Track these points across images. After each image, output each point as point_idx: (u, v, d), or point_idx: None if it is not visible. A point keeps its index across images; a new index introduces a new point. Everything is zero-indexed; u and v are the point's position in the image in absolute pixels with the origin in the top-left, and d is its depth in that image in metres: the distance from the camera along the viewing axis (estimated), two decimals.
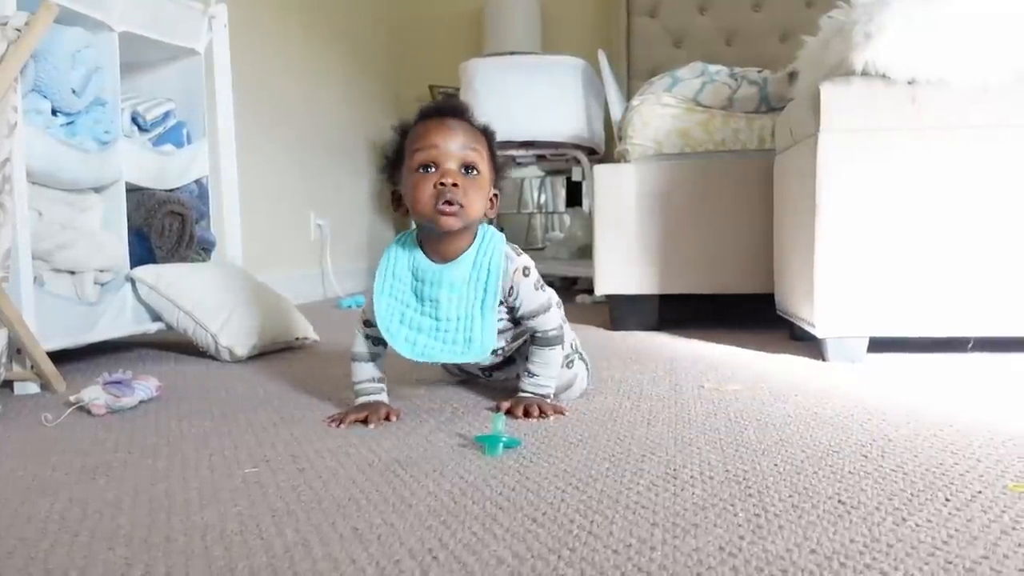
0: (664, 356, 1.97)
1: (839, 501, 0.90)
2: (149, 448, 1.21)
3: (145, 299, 2.07)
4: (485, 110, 3.41)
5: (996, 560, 0.73)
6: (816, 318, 1.81)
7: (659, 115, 2.50)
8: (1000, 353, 1.82)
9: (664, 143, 2.49)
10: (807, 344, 2.02)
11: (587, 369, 1.53)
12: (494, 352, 1.41)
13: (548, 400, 1.38)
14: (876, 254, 1.78)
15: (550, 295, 1.40)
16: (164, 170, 2.23)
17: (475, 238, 1.34)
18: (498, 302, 1.33)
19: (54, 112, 1.86)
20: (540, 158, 3.95)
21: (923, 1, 1.74)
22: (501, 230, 1.41)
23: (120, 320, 2.02)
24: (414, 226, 1.38)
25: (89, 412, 1.42)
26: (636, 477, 1.00)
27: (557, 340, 1.39)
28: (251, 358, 2.03)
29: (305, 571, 0.74)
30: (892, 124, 1.77)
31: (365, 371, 1.39)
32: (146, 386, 1.52)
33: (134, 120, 2.21)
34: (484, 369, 1.53)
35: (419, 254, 1.34)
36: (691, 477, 1.00)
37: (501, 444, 1.12)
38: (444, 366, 1.61)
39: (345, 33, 4.06)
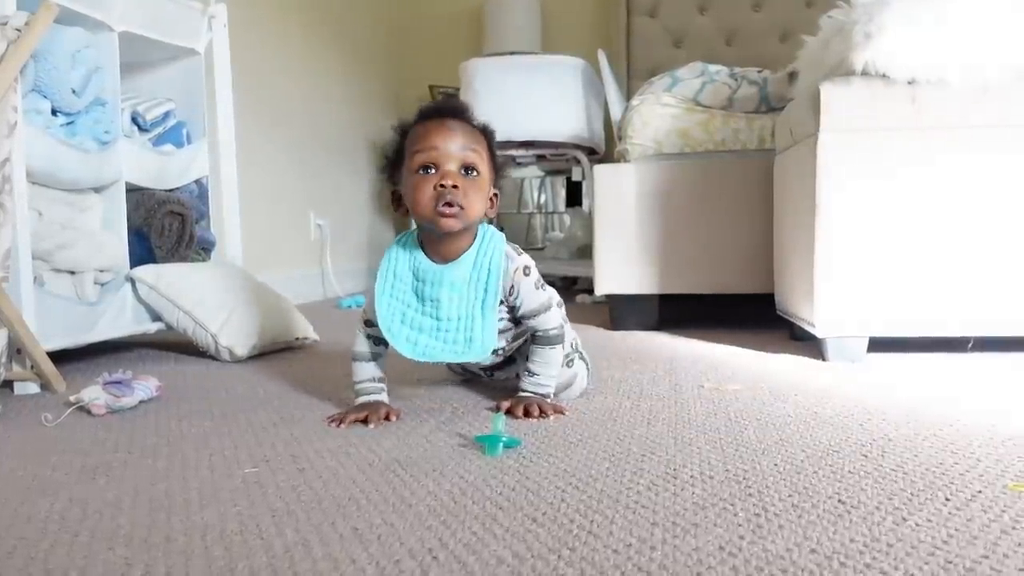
0: (664, 356, 1.97)
1: (839, 501, 0.90)
2: (149, 448, 1.21)
3: (145, 299, 2.07)
4: (485, 110, 3.41)
5: (996, 560, 0.73)
6: (816, 318, 1.81)
7: (659, 115, 2.50)
8: (1000, 353, 1.82)
9: (664, 143, 2.49)
10: (807, 344, 2.02)
11: (588, 369, 1.53)
12: (495, 352, 1.41)
13: (548, 400, 1.38)
14: (876, 254, 1.78)
15: (551, 294, 1.41)
16: (164, 170, 2.23)
17: (475, 238, 1.34)
18: (499, 302, 1.33)
19: (54, 112, 1.86)
20: (540, 158, 3.96)
21: (923, 1, 1.74)
22: (501, 230, 1.41)
23: (120, 320, 2.02)
24: (414, 226, 1.39)
25: (89, 412, 1.42)
26: (636, 477, 1.00)
27: (558, 339, 1.39)
28: (251, 358, 2.03)
29: (305, 571, 0.74)
30: (892, 124, 1.77)
31: (366, 371, 1.39)
32: (146, 386, 1.52)
33: (134, 120, 2.22)
34: (485, 369, 1.53)
35: (420, 254, 1.34)
36: (691, 477, 1.00)
37: (501, 444, 1.12)
38: (448, 365, 1.61)
39: (345, 33, 4.06)
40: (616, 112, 3.07)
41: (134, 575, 0.75)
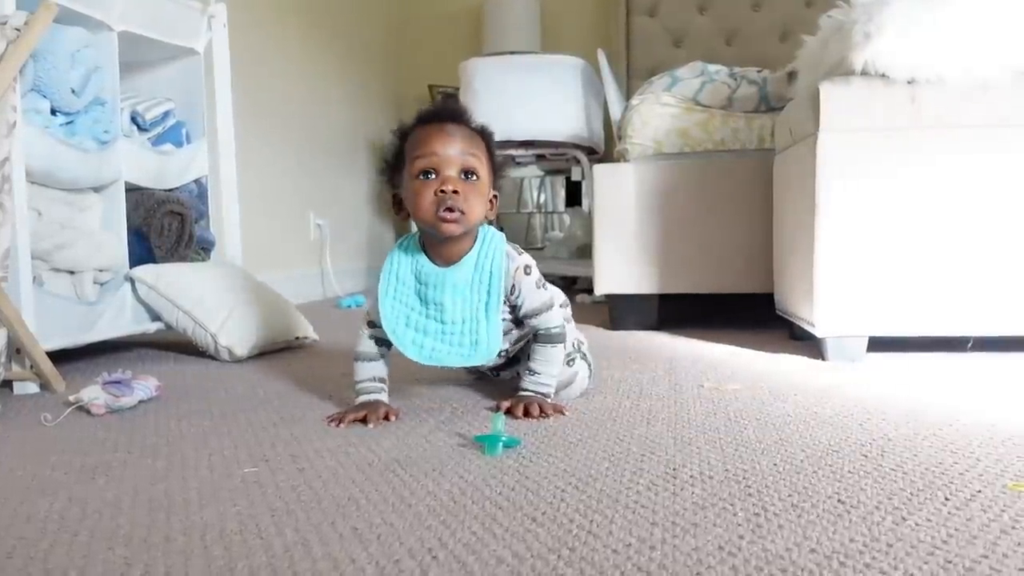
0: (664, 356, 1.97)
1: (839, 500, 0.90)
2: (148, 448, 1.21)
3: (144, 299, 2.07)
4: (485, 110, 3.44)
5: (995, 559, 0.73)
6: (816, 318, 1.81)
7: (658, 115, 2.50)
8: (1000, 353, 1.82)
9: (663, 143, 2.49)
10: (807, 344, 2.02)
11: (590, 369, 1.53)
12: (498, 354, 1.42)
13: (548, 399, 1.38)
14: (876, 254, 1.78)
15: (552, 294, 1.41)
16: (163, 170, 2.23)
17: (476, 240, 1.35)
18: (502, 303, 1.34)
19: (53, 112, 1.85)
20: (540, 158, 3.96)
21: (922, 1, 1.74)
22: (501, 230, 1.42)
23: (119, 320, 2.02)
24: (414, 229, 1.39)
25: (88, 412, 1.42)
26: (636, 476, 1.00)
27: (559, 338, 1.40)
28: (251, 358, 2.03)
29: (304, 571, 0.74)
30: (891, 124, 1.77)
31: (367, 370, 1.39)
32: (145, 386, 1.52)
33: (133, 120, 2.21)
34: (491, 369, 1.54)
35: (422, 257, 1.35)
36: (691, 476, 1.00)
37: (501, 444, 1.12)
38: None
39: (345, 33, 4.06)
40: (616, 112, 3.07)
41: (133, 575, 0.75)
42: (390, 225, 4.49)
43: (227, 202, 2.49)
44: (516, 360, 1.49)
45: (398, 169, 1.34)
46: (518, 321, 1.40)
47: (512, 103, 3.57)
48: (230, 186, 2.49)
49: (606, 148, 3.85)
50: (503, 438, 1.12)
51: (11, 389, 1.65)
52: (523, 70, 3.69)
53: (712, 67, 2.70)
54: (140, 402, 1.50)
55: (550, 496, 0.93)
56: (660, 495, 0.93)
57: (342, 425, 1.30)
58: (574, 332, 1.53)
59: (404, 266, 1.36)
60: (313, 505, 0.92)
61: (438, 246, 1.34)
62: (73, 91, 1.86)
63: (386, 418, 1.31)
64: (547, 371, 1.38)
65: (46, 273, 1.85)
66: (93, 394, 1.43)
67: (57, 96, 1.83)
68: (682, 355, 1.97)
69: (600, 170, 2.53)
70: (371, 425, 1.29)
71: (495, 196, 1.37)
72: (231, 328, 2.03)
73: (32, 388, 1.66)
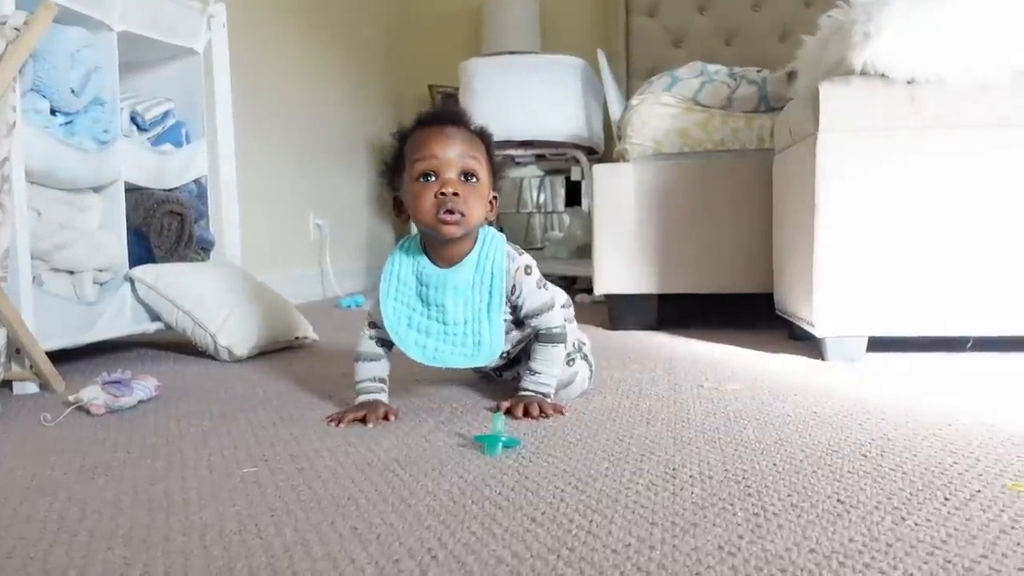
0: (663, 355, 1.97)
1: (838, 500, 0.90)
2: (148, 448, 1.21)
3: (144, 299, 2.07)
4: (484, 110, 3.45)
5: (995, 559, 0.73)
6: (815, 318, 1.81)
7: (658, 115, 2.50)
8: (999, 353, 1.82)
9: (663, 143, 2.49)
10: (806, 344, 2.02)
11: (591, 370, 1.53)
12: (500, 356, 1.42)
13: (549, 399, 1.38)
14: (875, 254, 1.78)
15: (553, 294, 1.42)
16: (163, 170, 2.23)
17: (477, 241, 1.36)
18: (504, 303, 1.35)
19: (53, 112, 1.85)
20: (539, 157, 3.96)
21: (922, 1, 1.74)
22: (500, 230, 1.42)
23: (119, 320, 2.02)
24: (414, 231, 1.40)
25: (88, 412, 1.42)
26: (635, 476, 1.00)
27: (560, 338, 1.40)
28: (250, 358, 2.03)
29: (304, 571, 0.74)
30: (891, 124, 1.77)
31: (367, 370, 1.40)
32: (145, 386, 1.52)
33: (133, 120, 2.21)
34: (493, 369, 1.54)
35: (423, 259, 1.36)
36: (690, 476, 1.00)
37: (500, 444, 1.12)
38: None
39: (344, 33, 4.06)
40: (615, 112, 3.07)
41: (133, 575, 0.75)
42: (389, 225, 4.49)
43: (227, 202, 2.49)
44: (518, 360, 1.50)
45: (398, 172, 1.35)
46: (518, 322, 1.41)
47: (512, 103, 3.57)
48: (230, 186, 2.49)
49: (606, 148, 3.85)
50: (503, 438, 1.12)
51: (11, 389, 1.65)
52: (523, 70, 3.69)
53: (712, 67, 2.70)
54: (140, 402, 1.50)
55: (549, 496, 0.93)
56: (659, 495, 0.93)
57: (341, 425, 1.30)
58: (576, 332, 1.53)
59: (405, 267, 1.37)
60: (312, 505, 0.92)
61: (439, 248, 1.35)
62: (73, 91, 1.86)
63: (385, 418, 1.32)
64: (548, 371, 1.39)
65: (46, 273, 1.85)
66: (93, 394, 1.43)
67: (57, 96, 1.83)
68: (681, 355, 1.97)
69: (600, 170, 2.53)
70: (370, 425, 1.29)
71: (495, 197, 1.38)
72: (231, 328, 2.03)
73: (32, 388, 1.66)
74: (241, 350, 2.01)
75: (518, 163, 4.04)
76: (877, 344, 1.85)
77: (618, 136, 2.64)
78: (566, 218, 4.35)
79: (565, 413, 1.35)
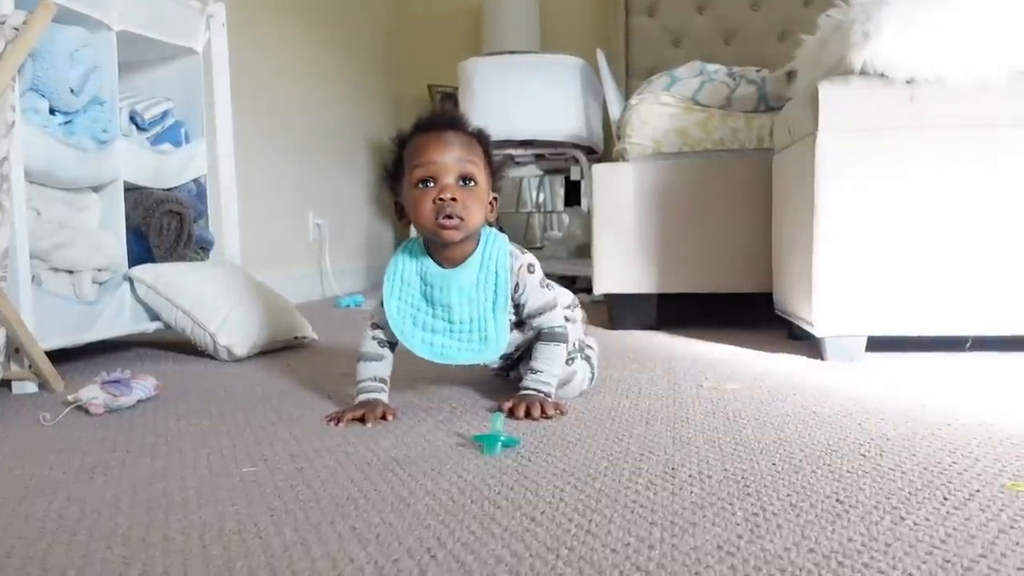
0: (662, 355, 1.97)
1: (837, 500, 0.90)
2: (147, 447, 1.21)
3: (143, 298, 2.07)
4: (484, 109, 3.45)
5: (994, 559, 0.73)
6: (815, 317, 1.81)
7: (657, 114, 2.50)
8: (998, 352, 1.82)
9: (662, 142, 2.49)
10: (805, 343, 2.02)
11: (592, 372, 1.53)
12: (502, 357, 1.43)
13: (550, 398, 1.38)
14: (875, 253, 1.78)
15: (556, 293, 1.43)
16: (162, 169, 2.23)
17: (479, 242, 1.37)
18: (508, 301, 1.36)
19: (52, 111, 1.85)
20: (539, 157, 3.96)
21: (921, 0, 1.74)
22: (501, 230, 1.43)
23: (118, 319, 2.02)
24: (414, 233, 1.41)
25: (87, 411, 1.42)
26: (634, 476, 1.00)
27: (562, 337, 1.41)
28: (249, 357, 2.03)
29: (303, 570, 0.74)
30: (890, 123, 1.77)
31: (368, 370, 1.40)
32: (144, 385, 1.52)
33: (132, 119, 2.21)
34: (498, 370, 1.55)
35: (427, 260, 1.37)
36: (689, 476, 1.00)
37: (499, 443, 1.12)
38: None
39: (344, 32, 4.06)
40: (615, 111, 3.07)
41: (132, 574, 0.75)
42: (389, 225, 4.49)
43: (226, 202, 2.49)
44: (520, 360, 1.50)
45: (398, 178, 1.36)
46: (519, 324, 1.41)
47: (511, 103, 3.57)
48: (229, 186, 2.49)
49: (605, 148, 3.85)
50: (502, 437, 1.12)
51: (10, 389, 1.65)
52: (522, 70, 3.69)
53: (711, 67, 2.70)
54: (139, 401, 1.49)
55: (549, 495, 0.93)
56: (659, 494, 0.93)
57: (340, 424, 1.30)
58: (578, 333, 1.53)
59: (409, 268, 1.38)
60: (312, 504, 0.92)
61: (442, 249, 1.36)
62: (72, 90, 1.86)
63: (383, 417, 1.32)
64: (549, 369, 1.39)
65: (45, 273, 1.85)
66: (92, 393, 1.43)
67: (56, 95, 1.83)
68: (681, 355, 1.97)
69: (599, 170, 2.53)
70: (369, 424, 1.29)
71: (495, 198, 1.39)
72: (230, 328, 2.03)
73: (31, 388, 1.66)
74: (240, 350, 2.01)
75: (518, 163, 4.04)
76: (876, 344, 1.85)
77: (617, 136, 2.64)
78: (565, 218, 4.35)
79: (566, 412, 1.35)
